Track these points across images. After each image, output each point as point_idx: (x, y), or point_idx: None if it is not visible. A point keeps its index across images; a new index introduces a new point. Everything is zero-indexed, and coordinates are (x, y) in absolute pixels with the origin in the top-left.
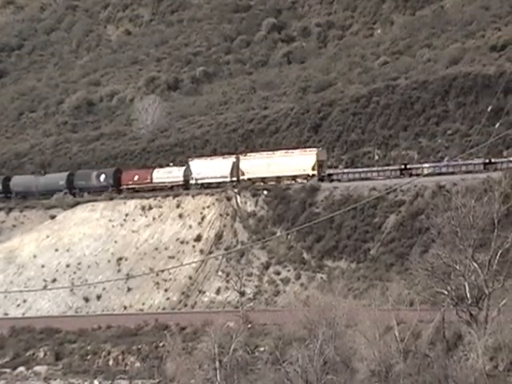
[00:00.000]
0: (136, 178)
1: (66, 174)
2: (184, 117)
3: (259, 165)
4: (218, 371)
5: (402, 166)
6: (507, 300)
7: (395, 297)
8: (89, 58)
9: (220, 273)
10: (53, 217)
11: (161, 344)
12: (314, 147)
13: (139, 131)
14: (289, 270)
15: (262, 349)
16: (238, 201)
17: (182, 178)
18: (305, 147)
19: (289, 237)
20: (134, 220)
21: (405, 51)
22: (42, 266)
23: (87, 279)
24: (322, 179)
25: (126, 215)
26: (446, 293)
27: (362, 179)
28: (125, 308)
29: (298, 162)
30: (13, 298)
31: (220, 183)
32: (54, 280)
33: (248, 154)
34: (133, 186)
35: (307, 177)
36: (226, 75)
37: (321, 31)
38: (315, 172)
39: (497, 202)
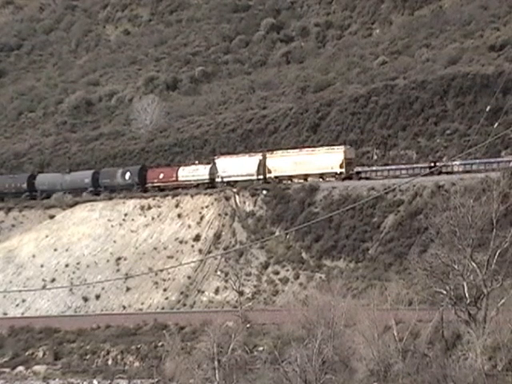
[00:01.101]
0: (161, 176)
1: (91, 172)
2: (183, 117)
3: (286, 162)
4: (216, 371)
5: (432, 164)
6: (506, 299)
7: (394, 296)
8: (88, 57)
9: (219, 272)
10: (52, 216)
11: (160, 344)
12: (342, 145)
13: (138, 131)
14: (287, 270)
15: (260, 348)
16: (237, 200)
17: (207, 176)
18: (332, 145)
19: (287, 236)
20: (132, 220)
21: (403, 51)
22: (41, 266)
23: (86, 279)
24: (349, 177)
25: (125, 215)
26: (444, 292)
27: (392, 177)
28: (124, 308)
29: (326, 160)
30: (12, 298)
31: (246, 181)
32: (53, 280)
33: (275, 152)
34: (158, 184)
35: (335, 175)
36: (224, 75)
37: (319, 31)
38: (343, 170)
39: (495, 201)
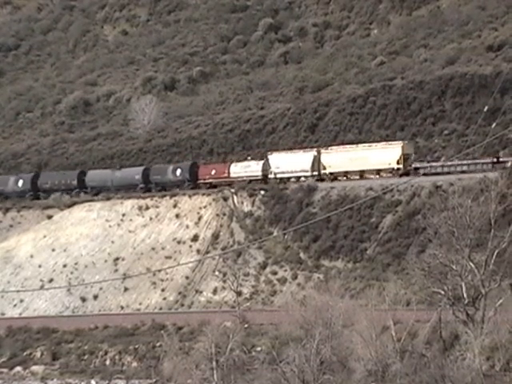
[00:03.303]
0: (213, 172)
1: (141, 168)
2: (181, 117)
3: (341, 158)
4: (214, 371)
5: (495, 159)
6: (504, 300)
7: (392, 297)
8: (86, 58)
9: (217, 273)
10: (50, 217)
11: (158, 344)
12: (400, 140)
13: (136, 131)
14: (285, 270)
15: (258, 349)
16: (235, 201)
17: (260, 173)
18: (388, 140)
19: (285, 237)
20: (130, 220)
21: (401, 51)
22: (39, 266)
23: (84, 279)
24: (407, 173)
25: (123, 215)
26: (442, 293)
27: (451, 173)
28: (122, 308)
29: (383, 156)
30: (10, 298)
31: (300, 177)
32: (51, 280)
33: (330, 148)
34: (210, 181)
35: (392, 171)
36: (222, 75)
37: (317, 31)
38: (400, 166)
39: (493, 201)
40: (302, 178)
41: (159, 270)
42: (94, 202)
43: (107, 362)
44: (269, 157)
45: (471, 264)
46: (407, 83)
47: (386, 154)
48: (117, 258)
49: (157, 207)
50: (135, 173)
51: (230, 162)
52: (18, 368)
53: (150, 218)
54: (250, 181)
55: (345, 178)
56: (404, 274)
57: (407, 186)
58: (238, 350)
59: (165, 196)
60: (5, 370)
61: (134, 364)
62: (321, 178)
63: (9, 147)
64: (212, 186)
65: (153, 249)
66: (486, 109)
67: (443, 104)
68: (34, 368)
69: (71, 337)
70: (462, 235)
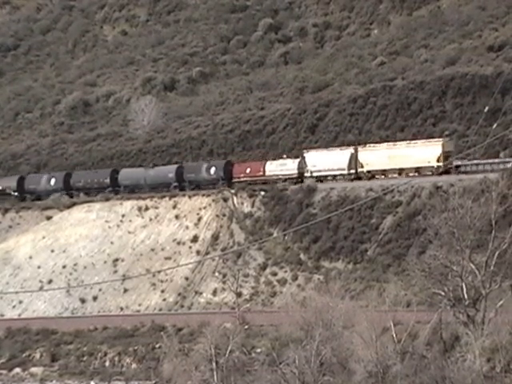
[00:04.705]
0: (248, 170)
1: (175, 166)
2: (180, 117)
3: (379, 156)
4: (214, 372)
5: None
6: (504, 301)
7: (392, 298)
8: (85, 58)
9: (216, 274)
10: (49, 218)
11: (157, 345)
12: (441, 137)
13: (135, 132)
14: (285, 271)
15: (258, 350)
16: (235, 201)
17: (296, 171)
18: (429, 137)
19: (285, 238)
20: (130, 221)
21: (402, 51)
22: (38, 267)
23: (83, 280)
24: (448, 171)
25: (123, 216)
26: (443, 294)
27: (493, 171)
28: (121, 309)
29: (422, 154)
30: (9, 299)
31: (337, 176)
32: (50, 281)
33: (368, 145)
34: (245, 179)
35: (432, 169)
36: (222, 76)
37: (318, 31)
38: (440, 164)
39: (494, 202)
40: (339, 177)
41: (159, 271)
42: (93, 202)
43: (107, 364)
44: (305, 155)
45: (472, 265)
46: (408, 83)
47: (425, 152)
48: (116, 259)
49: (156, 208)
50: (168, 171)
51: (266, 160)
52: (17, 369)
53: (150, 219)
54: (286, 179)
55: (383, 176)
56: (404, 275)
57: (407, 187)
58: (238, 351)
59: (164, 197)
60: (4, 372)
61: (134, 365)
62: (358, 177)
63: (8, 148)
64: (247, 184)
65: (152, 250)
66: (486, 109)
67: (444, 104)
68: (34, 369)
69: (70, 338)
70: (462, 236)
